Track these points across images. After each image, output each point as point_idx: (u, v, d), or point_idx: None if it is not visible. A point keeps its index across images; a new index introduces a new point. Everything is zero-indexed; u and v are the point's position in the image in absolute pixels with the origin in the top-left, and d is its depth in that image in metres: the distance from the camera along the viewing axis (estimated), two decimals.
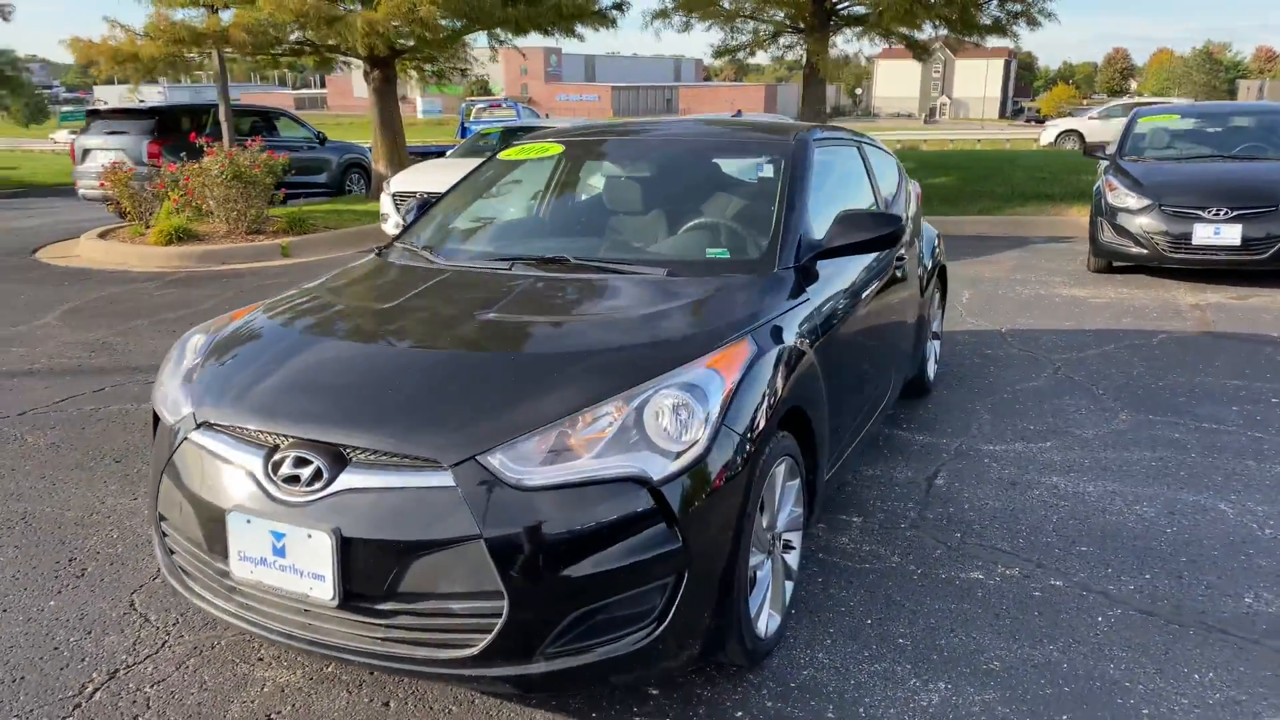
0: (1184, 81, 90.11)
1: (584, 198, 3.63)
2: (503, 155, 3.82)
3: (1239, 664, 2.57)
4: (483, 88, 75.92)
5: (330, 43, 10.65)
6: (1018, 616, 2.82)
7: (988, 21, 11.92)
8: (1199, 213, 7.51)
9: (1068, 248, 9.75)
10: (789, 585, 2.75)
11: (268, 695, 2.48)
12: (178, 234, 10.02)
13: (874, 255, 3.58)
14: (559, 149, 3.72)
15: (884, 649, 2.66)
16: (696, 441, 2.16)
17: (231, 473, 2.25)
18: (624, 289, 2.74)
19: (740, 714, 2.38)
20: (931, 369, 4.97)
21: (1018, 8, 11.78)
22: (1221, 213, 7.43)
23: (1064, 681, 2.50)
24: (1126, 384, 5.11)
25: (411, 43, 10.67)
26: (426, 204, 3.69)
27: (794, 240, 3.00)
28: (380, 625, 2.12)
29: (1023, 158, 15.54)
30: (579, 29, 12.41)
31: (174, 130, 12.63)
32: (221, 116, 11.62)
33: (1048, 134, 27.18)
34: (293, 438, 2.20)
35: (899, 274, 3.90)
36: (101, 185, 10.97)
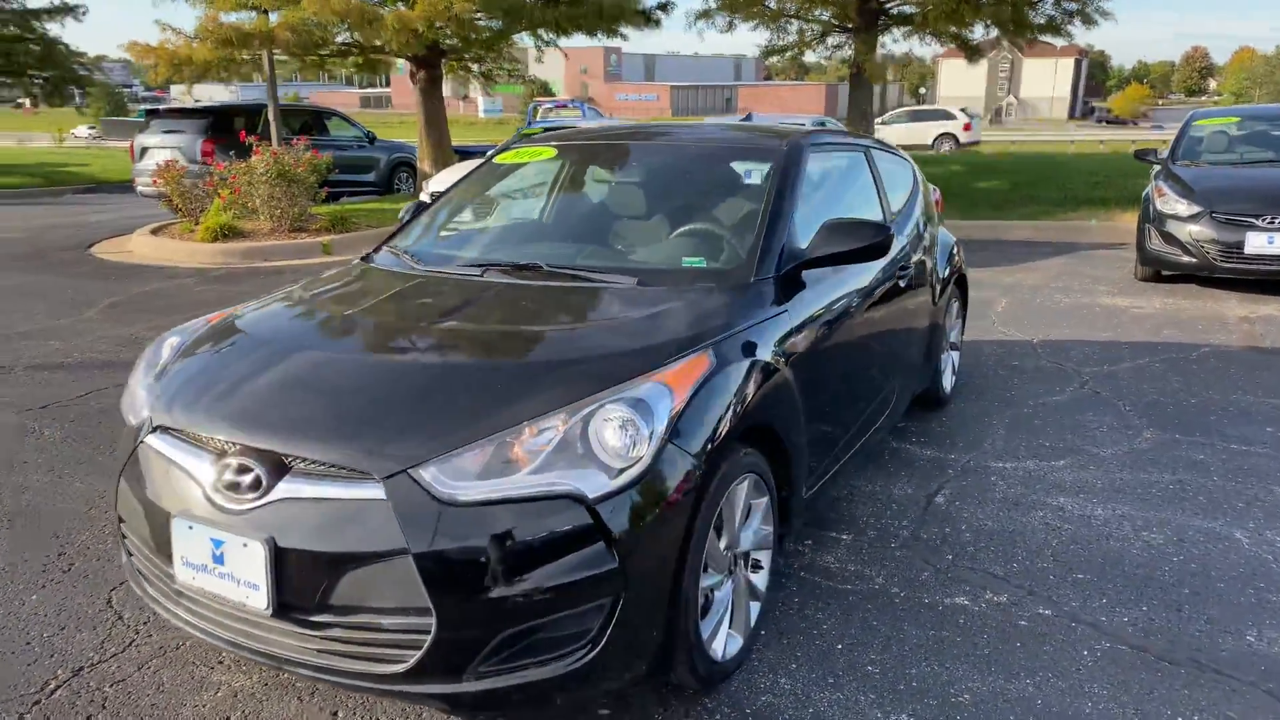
0: (1265, 82, 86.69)
1: (570, 203, 3.58)
2: (498, 159, 3.79)
3: (1228, 708, 2.42)
4: (543, 88, 76.50)
5: (375, 43, 10.77)
6: (998, 647, 2.69)
7: (1041, 21, 11.57)
8: (1253, 221, 7.18)
9: (1116, 255, 9.42)
10: (755, 606, 2.66)
11: (221, 700, 2.48)
12: (223, 231, 10.24)
13: (872, 264, 3.46)
14: (552, 153, 3.68)
15: (850, 677, 2.56)
16: (640, 459, 2.09)
17: (179, 477, 2.25)
18: (588, 298, 2.69)
19: None
20: (948, 381, 4.82)
21: (1073, 6, 11.41)
22: (1277, 221, 7.08)
23: (1034, 719, 2.37)
24: (1156, 400, 4.89)
25: (454, 42, 10.74)
26: (421, 206, 3.68)
27: (776, 250, 2.92)
28: (315, 636, 2.10)
29: (1078, 161, 15.06)
30: (623, 29, 12.37)
31: (227, 130, 12.92)
32: (270, 116, 11.85)
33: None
34: (239, 444, 2.20)
35: (902, 283, 3.78)
36: (154, 183, 11.26)
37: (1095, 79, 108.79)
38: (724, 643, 2.47)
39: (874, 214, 3.85)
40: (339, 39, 11.31)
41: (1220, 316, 6.77)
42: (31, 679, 2.58)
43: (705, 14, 12.32)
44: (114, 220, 13.30)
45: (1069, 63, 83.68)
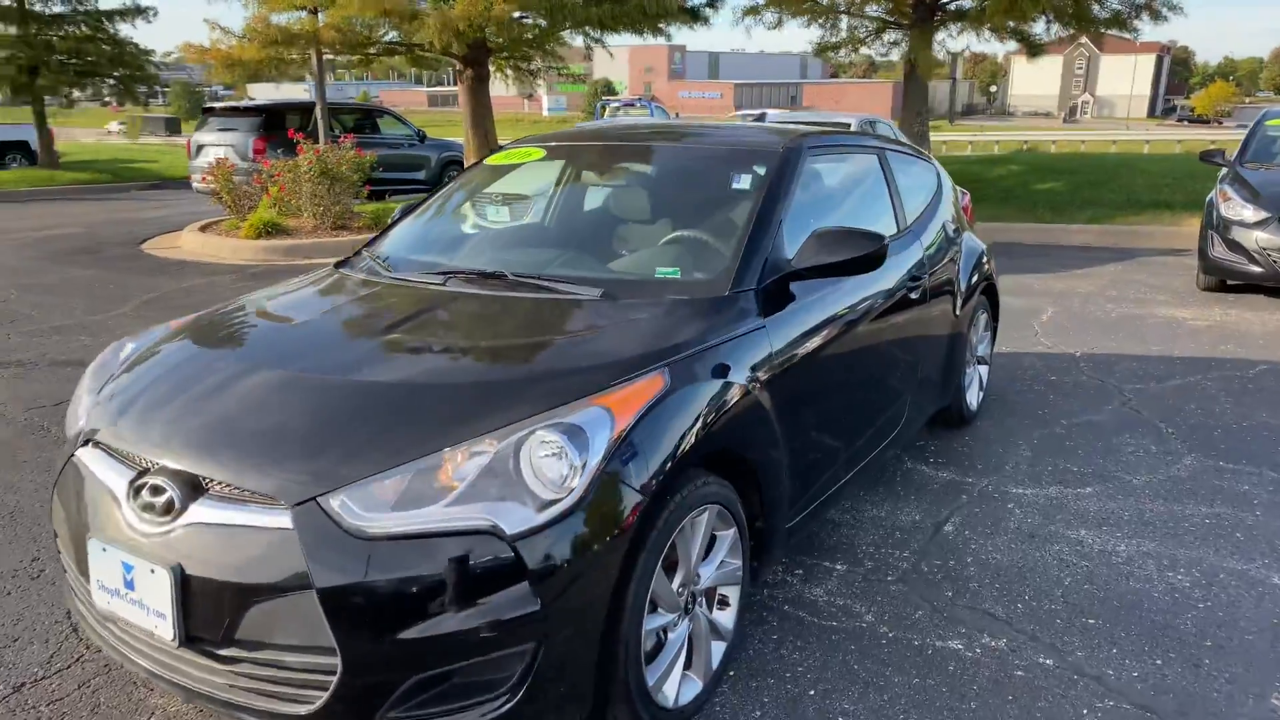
0: None
1: (551, 208, 3.42)
2: (489, 160, 3.65)
3: None
4: (607, 87, 76.67)
5: (418, 41, 10.78)
6: (987, 701, 2.45)
7: (1105, 15, 11.03)
8: None
9: (1180, 262, 8.92)
10: (718, 647, 2.47)
11: None
12: (267, 228, 10.35)
13: (878, 273, 3.23)
14: (541, 154, 3.53)
15: None
16: (570, 492, 1.92)
17: (101, 495, 2.15)
18: (545, 312, 2.52)
19: None
20: (974, 397, 4.54)
21: (1140, 0, 10.86)
22: None
23: None
24: (1203, 423, 4.54)
25: (499, 40, 10.69)
26: (410, 209, 3.56)
27: (758, 261, 2.71)
28: (223, 671, 1.97)
29: (1145, 162, 14.40)
30: (670, 27, 12.19)
31: (279, 127, 13.08)
32: (318, 114, 11.96)
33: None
34: (159, 463, 2.09)
35: (914, 294, 3.53)
36: (203, 180, 11.45)
37: (1178, 76, 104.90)
38: (677, 687, 2.29)
39: (885, 221, 3.62)
40: (386, 38, 11.35)
41: None
42: None
43: (753, 10, 12.04)
44: (170, 216, 13.58)
45: (1149, 59, 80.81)
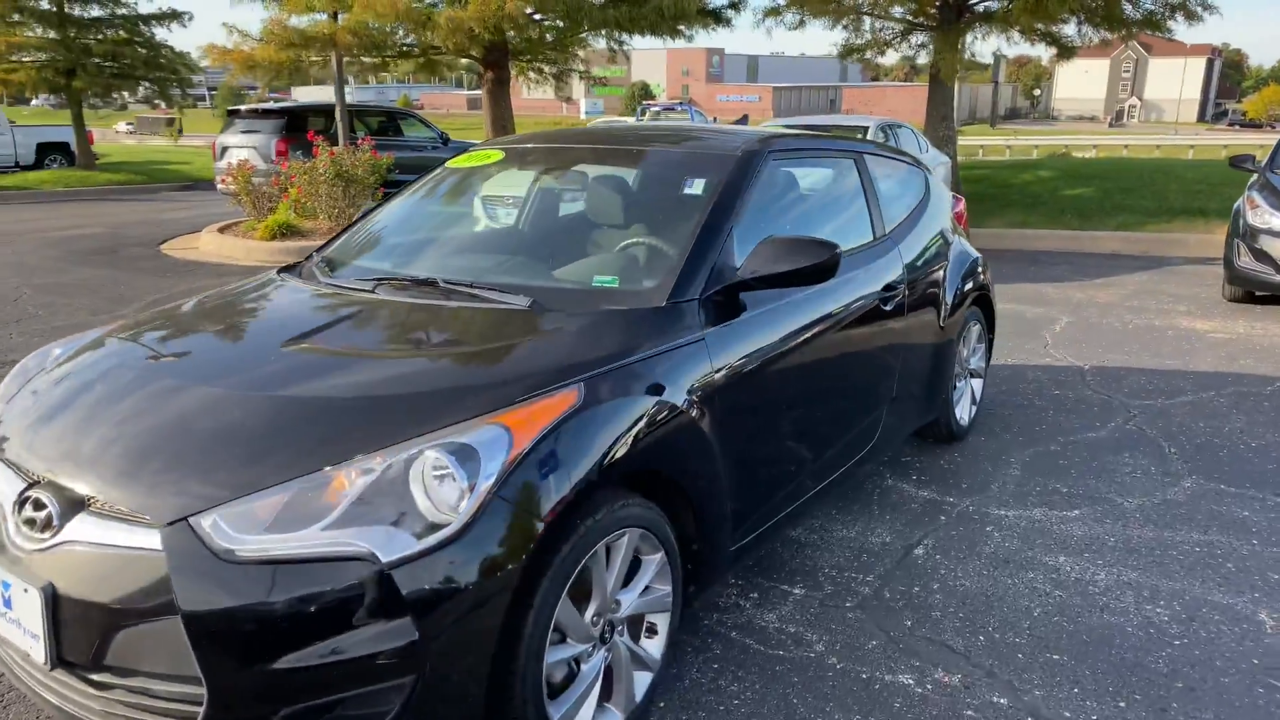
0: None
1: (499, 212, 3.31)
2: (450, 163, 3.55)
3: None
4: (644, 89, 76.68)
5: (432, 44, 10.77)
6: None
7: (1138, 16, 10.68)
8: None
9: (1211, 271, 8.59)
10: (643, 678, 2.34)
11: None
12: (282, 230, 10.39)
13: (838, 283, 3.08)
14: (499, 156, 3.42)
15: None
16: (455, 517, 1.81)
17: None
18: (465, 322, 2.41)
19: None
20: (965, 411, 4.35)
21: (1174, 0, 10.49)
22: None
23: None
24: (1209, 442, 4.31)
25: (515, 42, 10.63)
26: (367, 212, 3.47)
27: (702, 270, 2.58)
28: (96, 696, 1.89)
29: (1182, 168, 13.96)
30: (689, 30, 12.05)
31: (302, 130, 13.17)
32: (337, 116, 12.00)
33: None
34: (46, 477, 2.01)
35: (888, 305, 3.37)
36: (222, 181, 11.54)
37: (1230, 80, 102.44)
38: None
39: (859, 229, 3.45)
40: (408, 40, 11.36)
41: None
42: None
43: (774, 11, 11.85)
44: (194, 217, 13.72)
45: (1199, 62, 79.00)
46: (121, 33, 19.24)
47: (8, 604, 1.95)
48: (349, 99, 12.57)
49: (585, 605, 2.13)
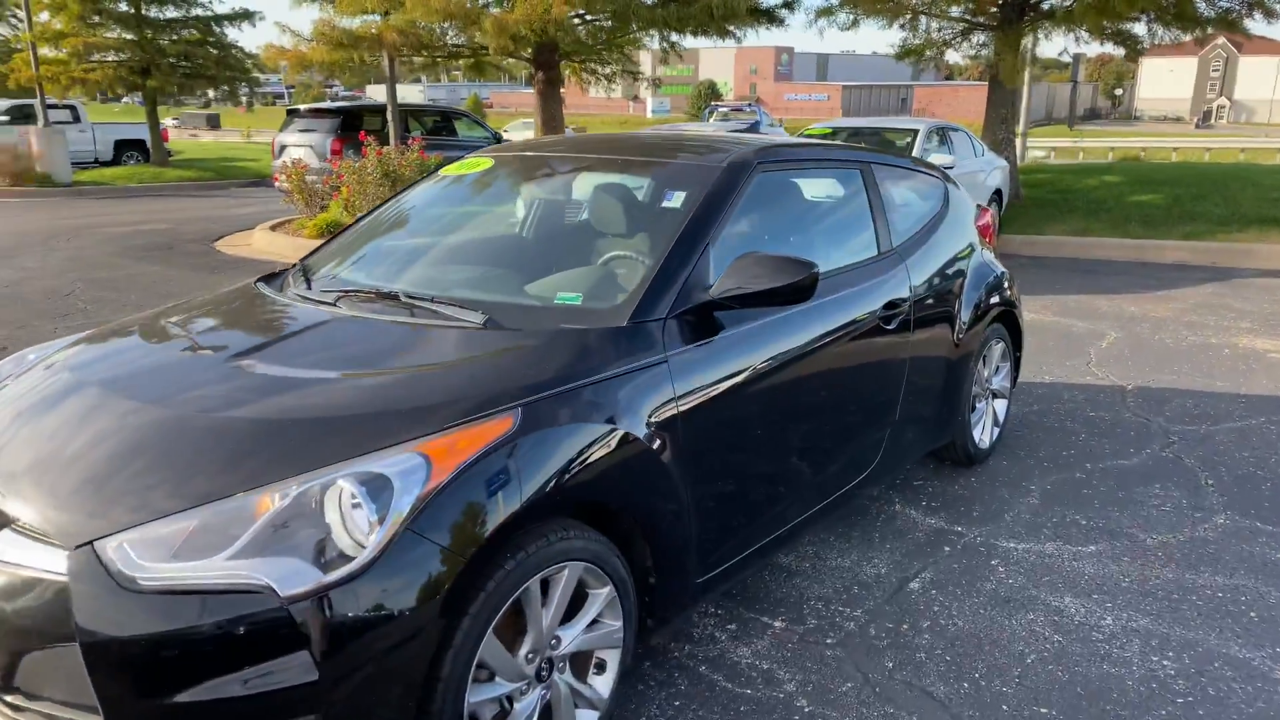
0: None
1: (478, 224, 3.22)
2: (444, 170, 3.49)
3: None
4: (710, 89, 76.32)
5: (479, 44, 10.79)
6: None
7: (1212, 14, 10.14)
8: None
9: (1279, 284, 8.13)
10: (587, 716, 2.23)
11: None
12: (330, 228, 10.52)
13: (831, 301, 2.93)
14: (489, 164, 3.35)
15: None
16: (364, 549, 1.73)
17: None
18: (413, 340, 2.33)
19: None
20: (984, 434, 4.13)
21: None
22: None
23: None
24: (1251, 474, 4.02)
25: (561, 41, 10.60)
26: (360, 219, 3.43)
27: (671, 288, 2.46)
28: (11, 716, 1.86)
29: (1259, 173, 13.26)
30: (746, 29, 11.88)
31: (358, 129, 13.36)
32: (388, 116, 12.13)
33: None
34: None
35: (890, 324, 3.20)
36: (275, 180, 11.76)
37: None
38: None
39: (862, 242, 3.29)
40: (458, 40, 11.41)
41: None
42: None
43: (826, 11, 11.59)
44: (253, 214, 14.02)
45: None
46: (194, 33, 19.82)
47: None
48: (423, 98, 12.75)
49: (520, 641, 2.04)
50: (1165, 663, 2.66)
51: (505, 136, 18.68)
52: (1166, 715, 2.43)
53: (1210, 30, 10.54)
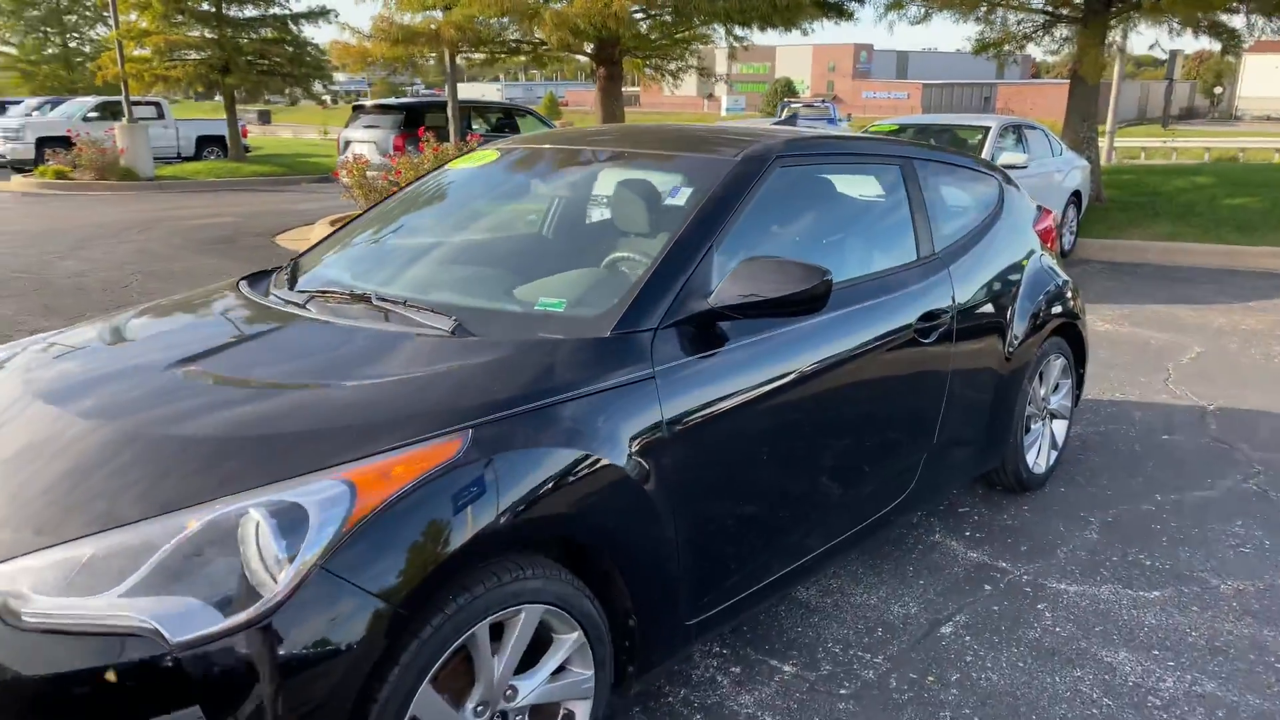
0: None
1: (476, 221, 3.00)
2: (451, 164, 3.29)
3: None
4: (787, 86, 75.43)
5: (539, 39, 10.65)
6: None
7: None
8: None
9: None
10: None
11: None
12: None
13: (855, 312, 2.64)
14: (494, 156, 3.13)
15: None
16: (271, 589, 1.52)
17: None
18: (372, 347, 2.11)
19: None
20: (1040, 458, 3.76)
21: None
22: None
23: None
24: None
25: (619, 35, 10.37)
26: (362, 214, 3.25)
27: (664, 296, 2.20)
28: None
29: None
30: (809, 23, 11.49)
31: (420, 125, 13.38)
32: (448, 112, 12.09)
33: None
34: None
35: (928, 338, 2.88)
36: (334, 175, 11.82)
37: None
38: None
39: (901, 247, 2.98)
40: (514, 35, 11.31)
41: None
42: None
43: (896, 4, 11.12)
44: (317, 209, 14.17)
45: None
46: (271, 31, 20.22)
47: None
48: (500, 96, 12.70)
49: (468, 693, 1.81)
50: None
51: None
52: None
53: None
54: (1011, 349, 3.37)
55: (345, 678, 1.57)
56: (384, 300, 2.32)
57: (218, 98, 21.51)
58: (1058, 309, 3.69)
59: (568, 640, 1.96)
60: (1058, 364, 3.78)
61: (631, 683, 2.18)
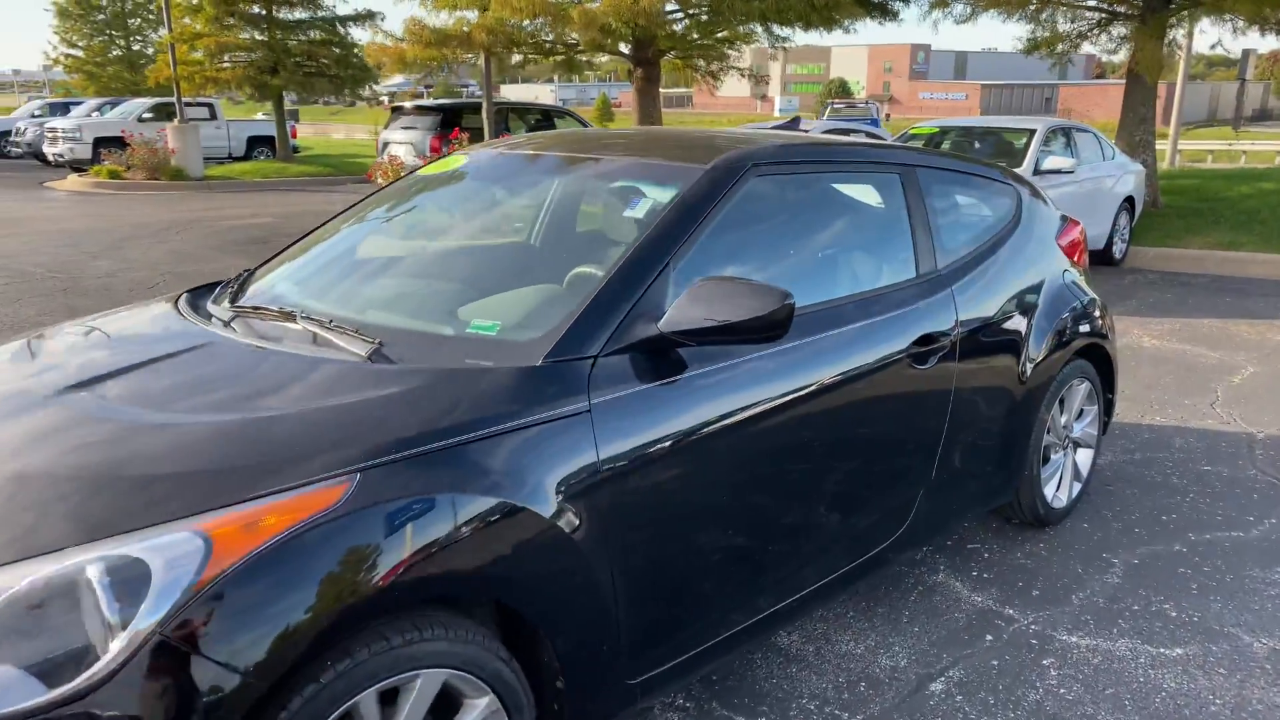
0: None
1: (427, 231, 2.80)
2: (422, 170, 3.11)
3: None
4: (841, 86, 74.52)
5: (568, 40, 10.50)
6: None
7: None
8: None
9: None
10: None
11: None
12: None
13: (837, 335, 2.39)
14: (463, 160, 2.94)
15: None
16: (103, 659, 1.35)
17: None
18: (276, 375, 1.92)
19: None
20: (1060, 491, 3.46)
21: None
22: None
23: None
24: None
25: (655, 34, 10.18)
26: (322, 224, 3.09)
27: (608, 320, 1.99)
28: None
29: None
30: (851, 22, 11.16)
31: (456, 127, 13.34)
32: (483, 114, 12.01)
33: None
34: None
35: (924, 364, 2.63)
36: (368, 177, 11.82)
37: None
38: None
39: (896, 263, 2.73)
40: (545, 37, 11.18)
41: None
42: None
43: (941, 2, 10.72)
44: None
45: None
46: (319, 34, 20.42)
47: None
48: (553, 98, 12.59)
49: None
50: None
51: None
52: None
53: None
54: (1026, 374, 3.08)
55: None
56: (309, 320, 2.14)
57: (292, 97, 21.75)
58: (1086, 327, 3.39)
59: (479, 706, 1.76)
60: (1081, 389, 3.48)
61: None
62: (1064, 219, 3.56)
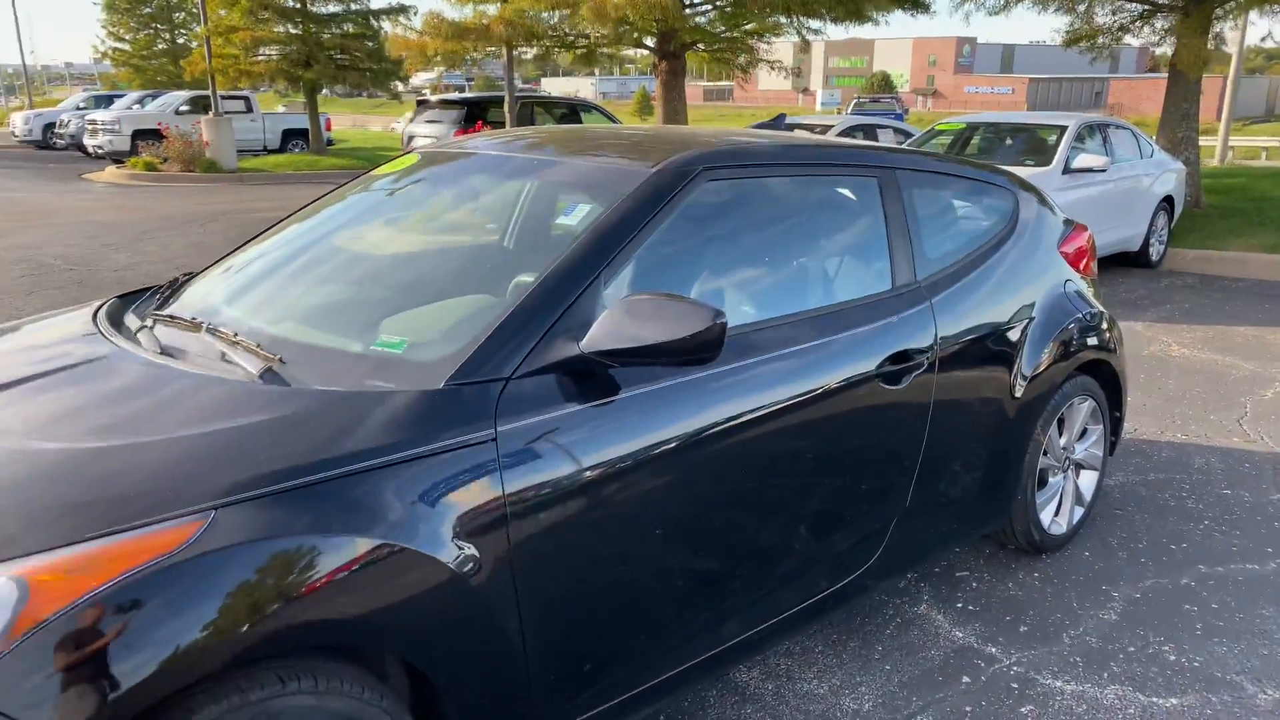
0: None
1: (369, 240, 2.64)
2: (377, 170, 2.97)
3: None
4: (884, 80, 73.54)
5: (585, 32, 10.34)
6: None
7: None
8: None
9: None
10: None
11: None
12: None
13: (798, 354, 2.21)
14: (415, 159, 2.79)
15: None
16: None
17: None
18: (164, 394, 1.77)
19: None
20: (1064, 516, 3.23)
21: None
22: None
23: None
24: None
25: (675, 27, 9.98)
26: (272, 226, 2.96)
27: (528, 336, 1.83)
28: None
29: None
30: (882, 15, 10.86)
31: (480, 119, 13.27)
32: (505, 107, 11.91)
33: None
34: None
35: (897, 383, 2.42)
36: None
37: None
38: None
39: (870, 275, 2.53)
40: (565, 31, 11.03)
41: None
42: None
43: None
44: None
45: None
46: (352, 27, 20.47)
47: None
48: (593, 91, 12.47)
49: None
50: None
51: None
52: None
53: None
54: (1019, 392, 2.86)
55: None
56: (215, 333, 2.00)
57: (331, 91, 21.85)
58: (1088, 343, 3.15)
59: None
60: (1084, 407, 3.24)
61: None
62: (1069, 224, 3.32)
